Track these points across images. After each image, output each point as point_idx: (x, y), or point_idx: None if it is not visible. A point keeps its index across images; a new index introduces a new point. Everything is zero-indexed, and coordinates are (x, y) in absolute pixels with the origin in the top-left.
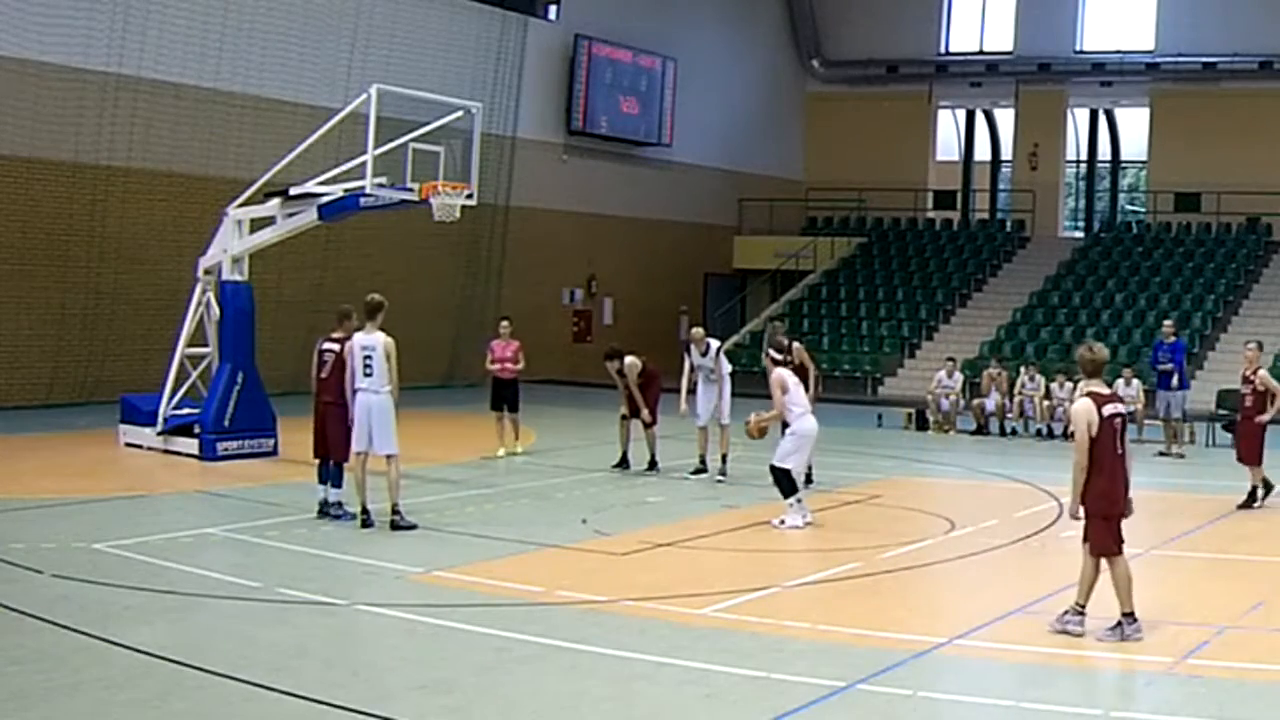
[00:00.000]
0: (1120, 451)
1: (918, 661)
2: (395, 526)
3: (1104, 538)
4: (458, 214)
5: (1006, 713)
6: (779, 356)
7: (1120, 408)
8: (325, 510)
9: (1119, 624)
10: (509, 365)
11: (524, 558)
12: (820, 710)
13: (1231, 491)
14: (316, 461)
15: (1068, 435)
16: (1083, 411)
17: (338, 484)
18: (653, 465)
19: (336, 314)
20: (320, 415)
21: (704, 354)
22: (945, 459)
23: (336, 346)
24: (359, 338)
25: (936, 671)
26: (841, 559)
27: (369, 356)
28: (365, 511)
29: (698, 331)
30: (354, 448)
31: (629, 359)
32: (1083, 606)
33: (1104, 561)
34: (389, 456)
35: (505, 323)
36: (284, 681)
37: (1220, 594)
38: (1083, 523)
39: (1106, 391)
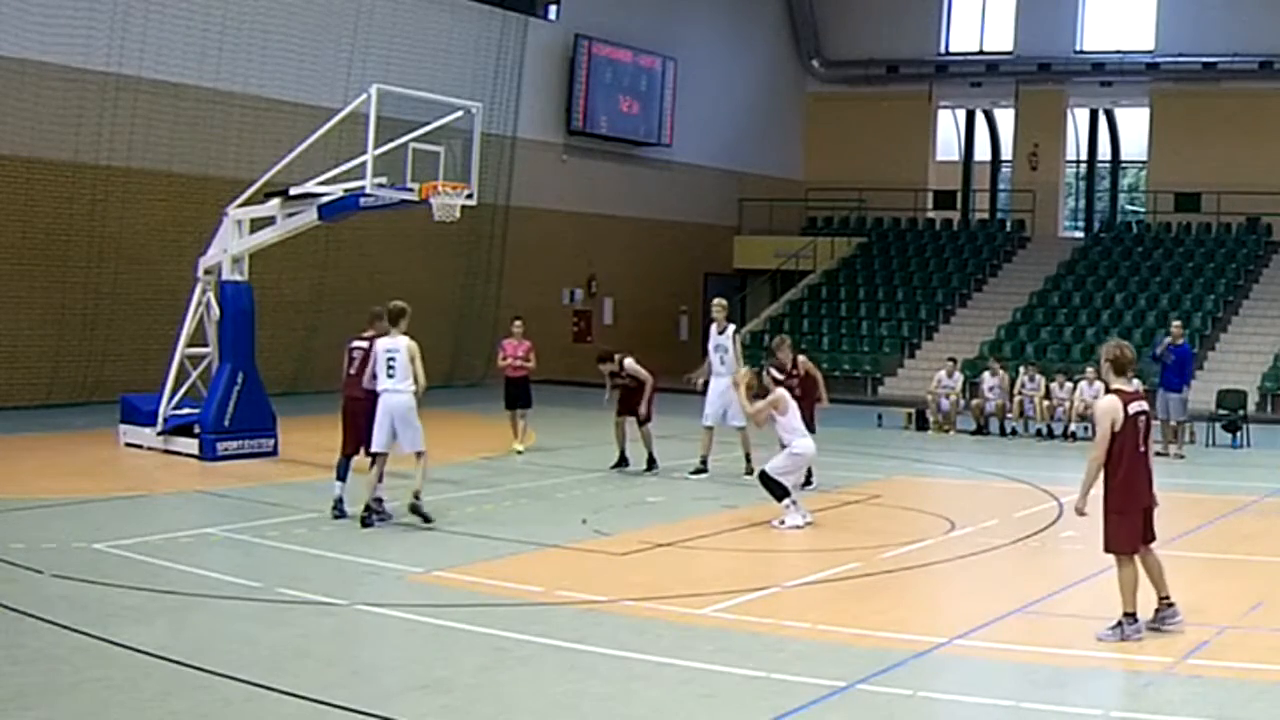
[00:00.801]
0: (1142, 450)
1: (918, 661)
2: (415, 510)
3: (1118, 535)
4: (458, 214)
5: (1006, 713)
6: (780, 376)
7: (1144, 406)
8: (340, 509)
9: (1119, 624)
10: (522, 364)
11: (524, 558)
12: (820, 710)
13: (1232, 491)
14: (340, 458)
15: (1067, 435)
16: (1108, 408)
17: (381, 478)
18: (651, 465)
19: (369, 315)
20: (348, 412)
21: (721, 333)
22: (945, 459)
23: (365, 344)
24: (383, 342)
25: (936, 671)
26: (841, 559)
27: (392, 359)
28: (368, 510)
29: (720, 302)
30: (374, 448)
31: (628, 361)
32: (1168, 600)
33: (1103, 557)
34: (418, 454)
35: (518, 322)
36: (284, 681)
37: (1220, 594)
38: (1086, 519)
39: (1131, 389)
